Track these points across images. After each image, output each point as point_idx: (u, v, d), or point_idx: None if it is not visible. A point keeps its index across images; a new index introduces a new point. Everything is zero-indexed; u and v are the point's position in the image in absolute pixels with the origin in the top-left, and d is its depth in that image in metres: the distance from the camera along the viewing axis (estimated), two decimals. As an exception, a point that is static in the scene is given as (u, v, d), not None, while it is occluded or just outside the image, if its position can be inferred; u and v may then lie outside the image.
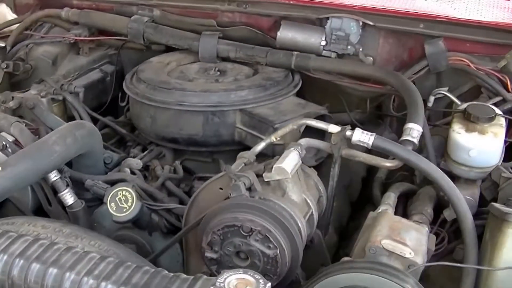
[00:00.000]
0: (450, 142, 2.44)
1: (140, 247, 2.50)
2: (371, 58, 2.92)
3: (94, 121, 3.00)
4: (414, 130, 2.34)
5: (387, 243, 2.03)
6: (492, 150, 2.40)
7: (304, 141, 2.33)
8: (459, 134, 2.41)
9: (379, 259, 2.02)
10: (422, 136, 2.40)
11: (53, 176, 2.40)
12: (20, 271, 1.64)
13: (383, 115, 3.04)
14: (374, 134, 2.25)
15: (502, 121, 2.46)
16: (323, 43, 2.89)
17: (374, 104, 3.01)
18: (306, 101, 2.79)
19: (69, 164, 2.54)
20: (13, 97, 2.77)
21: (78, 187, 2.52)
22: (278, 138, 2.38)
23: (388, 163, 2.27)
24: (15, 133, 2.50)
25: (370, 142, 2.23)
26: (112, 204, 2.32)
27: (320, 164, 2.64)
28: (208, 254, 2.10)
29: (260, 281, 1.52)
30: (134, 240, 2.50)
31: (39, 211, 2.56)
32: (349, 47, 2.87)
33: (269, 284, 1.50)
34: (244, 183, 2.12)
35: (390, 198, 2.41)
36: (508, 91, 2.70)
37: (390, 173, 2.79)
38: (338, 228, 2.77)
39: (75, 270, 1.61)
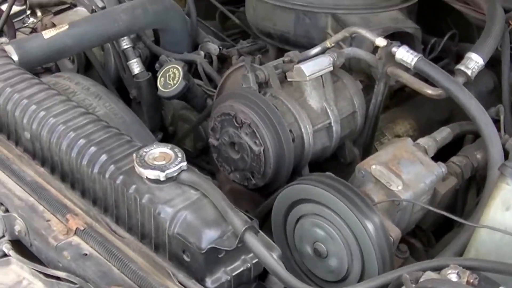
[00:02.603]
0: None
1: (195, 129, 2.54)
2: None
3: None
4: (472, 61, 2.08)
5: (375, 169, 1.88)
6: None
7: (350, 49, 2.20)
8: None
9: (365, 184, 1.89)
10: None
11: (125, 44, 2.52)
12: (21, 110, 1.83)
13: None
14: (420, 55, 2.04)
15: None
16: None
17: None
18: (407, 19, 2.56)
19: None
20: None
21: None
22: (333, 44, 2.24)
23: (429, 90, 2.06)
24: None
25: (413, 63, 2.04)
26: (162, 79, 2.39)
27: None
28: (211, 139, 2.12)
29: (178, 159, 1.54)
30: (191, 121, 2.57)
31: (121, 81, 2.73)
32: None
33: (183, 164, 1.53)
34: (257, 75, 2.06)
35: (441, 133, 2.16)
36: None
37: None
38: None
39: (56, 118, 1.77)
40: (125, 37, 2.56)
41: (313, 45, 2.52)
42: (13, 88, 1.88)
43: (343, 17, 2.51)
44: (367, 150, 2.27)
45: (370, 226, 1.70)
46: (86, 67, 2.79)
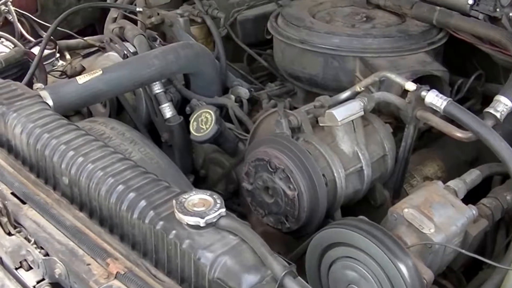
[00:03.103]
0: None
1: (227, 172, 2.58)
2: (527, 25, 2.61)
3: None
4: (501, 104, 2.11)
5: (408, 213, 1.90)
6: None
7: (379, 94, 2.23)
8: None
9: (397, 227, 1.91)
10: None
11: (157, 88, 2.58)
12: (59, 156, 1.86)
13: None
14: (449, 99, 2.07)
15: None
16: (471, 1, 2.64)
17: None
18: (434, 61, 2.60)
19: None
20: (158, 13, 2.95)
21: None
22: (363, 88, 2.28)
23: (459, 133, 2.09)
24: (136, 44, 2.70)
25: (442, 107, 2.07)
26: (194, 123, 2.44)
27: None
28: (245, 184, 2.15)
29: (217, 205, 1.57)
30: (222, 165, 2.60)
31: (153, 123, 2.77)
32: (497, 9, 2.59)
33: (223, 210, 1.55)
34: (290, 121, 2.10)
35: (470, 175, 2.18)
36: None
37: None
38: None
39: (95, 164, 1.80)
40: (157, 82, 2.61)
41: (341, 88, 2.58)
42: (50, 134, 1.92)
43: (371, 61, 2.56)
44: (397, 192, 2.30)
45: (403, 268, 1.72)
46: (117, 111, 2.85)
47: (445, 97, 2.07)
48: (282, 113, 2.11)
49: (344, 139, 2.12)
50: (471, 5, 2.64)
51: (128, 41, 2.78)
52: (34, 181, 1.96)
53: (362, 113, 2.14)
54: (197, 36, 3.01)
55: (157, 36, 2.85)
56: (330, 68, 2.65)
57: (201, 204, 1.58)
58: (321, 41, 2.65)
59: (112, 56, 2.84)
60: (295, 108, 2.61)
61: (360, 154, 2.14)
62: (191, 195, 1.60)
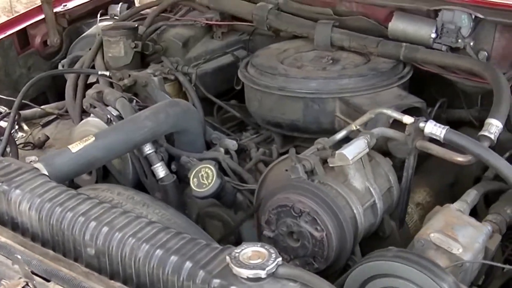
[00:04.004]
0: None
1: (226, 224, 2.62)
2: (486, 53, 2.81)
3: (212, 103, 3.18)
4: (493, 126, 2.26)
5: (435, 237, 2.00)
6: None
7: (378, 130, 2.33)
8: None
9: (426, 252, 2.00)
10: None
11: (147, 149, 2.60)
12: (80, 228, 1.83)
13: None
14: (447, 127, 2.20)
15: None
16: (433, 35, 2.82)
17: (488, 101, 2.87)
18: (408, 93, 2.75)
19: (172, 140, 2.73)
20: (129, 75, 2.98)
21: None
22: (358, 126, 2.39)
23: (460, 158, 2.21)
24: (119, 108, 2.72)
25: (442, 135, 2.19)
26: (195, 179, 2.46)
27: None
28: (266, 232, 2.19)
29: (273, 255, 1.59)
30: (220, 218, 2.64)
31: (140, 184, 2.78)
32: (459, 40, 2.78)
33: (279, 259, 1.57)
34: (304, 165, 2.17)
35: (470, 196, 2.31)
36: None
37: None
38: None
39: (123, 231, 1.77)
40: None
41: (322, 129, 2.72)
42: (63, 207, 1.88)
43: (351, 100, 2.68)
44: (402, 221, 2.40)
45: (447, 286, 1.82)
46: (103, 176, 2.84)
47: (443, 126, 2.20)
48: (295, 158, 2.18)
49: (356, 177, 2.22)
50: (434, 39, 2.83)
51: (109, 105, 2.78)
52: (54, 256, 1.90)
53: (368, 149, 2.24)
54: (171, 93, 3.05)
55: (133, 97, 2.88)
56: (310, 111, 2.75)
57: (256, 256, 1.59)
58: (300, 86, 2.75)
59: (92, 122, 2.83)
60: (282, 154, 2.72)
61: (371, 189, 2.24)
62: (243, 249, 1.61)
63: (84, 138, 2.41)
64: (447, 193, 2.73)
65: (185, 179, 2.64)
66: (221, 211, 2.62)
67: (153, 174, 2.67)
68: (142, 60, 3.38)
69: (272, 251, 1.60)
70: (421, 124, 2.23)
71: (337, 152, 2.19)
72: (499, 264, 1.98)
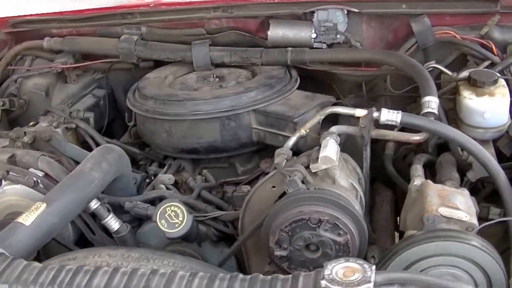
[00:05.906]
0: (462, 109, 2.60)
1: (192, 260, 2.54)
2: (359, 43, 3.05)
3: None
4: (433, 102, 2.47)
5: (444, 210, 2.15)
6: (503, 110, 2.58)
7: (335, 128, 2.44)
8: (470, 99, 2.58)
9: (438, 226, 2.15)
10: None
11: (94, 204, 2.41)
12: None
13: (380, 95, 3.15)
14: (400, 111, 2.37)
15: (503, 82, 2.65)
16: (314, 35, 2.99)
17: (368, 87, 3.12)
18: (312, 93, 2.89)
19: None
20: (25, 132, 2.74)
21: (115, 211, 2.53)
22: (307, 130, 2.47)
23: (417, 137, 2.40)
24: (44, 167, 2.50)
25: (398, 120, 2.35)
26: (163, 221, 2.34)
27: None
28: (278, 252, 2.16)
29: (365, 265, 1.56)
30: (185, 254, 2.53)
31: (80, 243, 2.58)
32: (338, 36, 2.99)
33: (373, 267, 1.55)
34: (298, 177, 2.20)
35: (418, 170, 2.52)
36: (494, 55, 2.88)
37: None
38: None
39: None
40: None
41: (241, 144, 2.76)
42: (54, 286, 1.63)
43: (267, 109, 2.77)
44: (371, 209, 2.54)
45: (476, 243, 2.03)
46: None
47: (396, 111, 2.37)
48: (286, 172, 2.20)
49: (342, 176, 2.29)
50: (315, 38, 3.00)
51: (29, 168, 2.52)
52: None
53: (339, 148, 2.34)
54: (73, 142, 2.85)
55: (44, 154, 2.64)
56: (227, 129, 2.76)
57: (351, 272, 1.54)
58: (214, 107, 2.75)
59: (10, 190, 2.54)
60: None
61: (354, 184, 2.34)
62: (331, 269, 1.56)
63: (31, 208, 2.16)
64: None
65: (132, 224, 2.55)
66: (184, 247, 2.53)
67: (103, 228, 2.49)
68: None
69: (360, 261, 1.57)
70: (375, 114, 2.37)
71: (320, 156, 2.25)
72: (506, 219, 2.21)
